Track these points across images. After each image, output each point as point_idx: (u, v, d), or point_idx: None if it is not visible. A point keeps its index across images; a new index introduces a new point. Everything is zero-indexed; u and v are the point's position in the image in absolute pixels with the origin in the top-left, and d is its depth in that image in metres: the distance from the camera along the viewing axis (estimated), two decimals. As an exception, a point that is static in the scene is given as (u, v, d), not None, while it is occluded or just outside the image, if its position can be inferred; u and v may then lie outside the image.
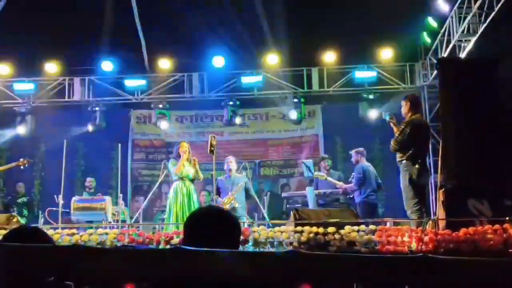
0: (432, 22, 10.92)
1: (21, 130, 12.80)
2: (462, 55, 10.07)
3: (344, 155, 12.58)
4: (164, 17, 11.59)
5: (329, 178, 10.46)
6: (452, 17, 10.32)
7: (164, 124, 13.25)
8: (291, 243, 6.65)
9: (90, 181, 12.22)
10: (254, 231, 6.82)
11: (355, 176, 10.11)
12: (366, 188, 10.00)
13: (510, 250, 6.21)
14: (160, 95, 13.03)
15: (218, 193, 10.05)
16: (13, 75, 12.82)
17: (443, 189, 7.25)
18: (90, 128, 12.90)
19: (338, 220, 6.93)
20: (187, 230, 2.49)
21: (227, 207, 9.94)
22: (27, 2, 10.94)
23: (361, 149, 10.38)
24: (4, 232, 6.78)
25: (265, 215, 10.26)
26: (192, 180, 9.17)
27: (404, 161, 7.64)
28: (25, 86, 12.81)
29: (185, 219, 7.65)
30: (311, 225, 6.77)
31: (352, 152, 10.44)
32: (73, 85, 13.00)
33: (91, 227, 7.66)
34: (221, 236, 2.35)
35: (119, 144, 11.07)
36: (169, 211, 8.98)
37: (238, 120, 12.99)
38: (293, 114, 12.57)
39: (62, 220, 9.62)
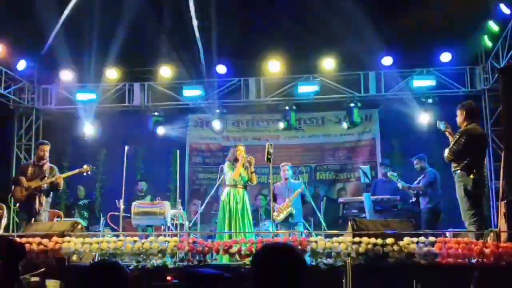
0: (493, 26, 10.67)
1: (83, 134, 13.16)
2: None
3: (401, 160, 12.40)
4: (221, 23, 11.69)
5: (401, 182, 10.33)
6: (514, 20, 10.08)
7: (217, 124, 13.37)
8: (348, 254, 6.63)
9: (141, 185, 12.50)
10: (311, 242, 6.83)
11: (425, 179, 10.03)
12: (435, 195, 9.98)
13: None
14: (217, 100, 13.15)
15: (275, 199, 10.11)
16: (75, 81, 13.22)
17: (505, 201, 7.11)
18: (150, 131, 13.09)
19: (397, 231, 6.89)
20: (257, 270, 2.52)
21: (284, 213, 10.02)
22: (89, 11, 11.23)
23: (422, 155, 10.31)
24: (69, 238, 7.05)
25: (322, 220, 10.27)
26: (245, 186, 9.21)
27: (458, 171, 7.48)
28: (87, 96, 13.15)
29: (234, 228, 7.72)
30: (369, 236, 6.75)
31: (415, 159, 10.34)
32: (133, 90, 13.30)
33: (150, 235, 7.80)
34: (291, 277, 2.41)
35: (177, 149, 11.25)
36: (223, 217, 8.94)
37: (281, 124, 13.14)
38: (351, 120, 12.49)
39: (123, 224, 9.88)
